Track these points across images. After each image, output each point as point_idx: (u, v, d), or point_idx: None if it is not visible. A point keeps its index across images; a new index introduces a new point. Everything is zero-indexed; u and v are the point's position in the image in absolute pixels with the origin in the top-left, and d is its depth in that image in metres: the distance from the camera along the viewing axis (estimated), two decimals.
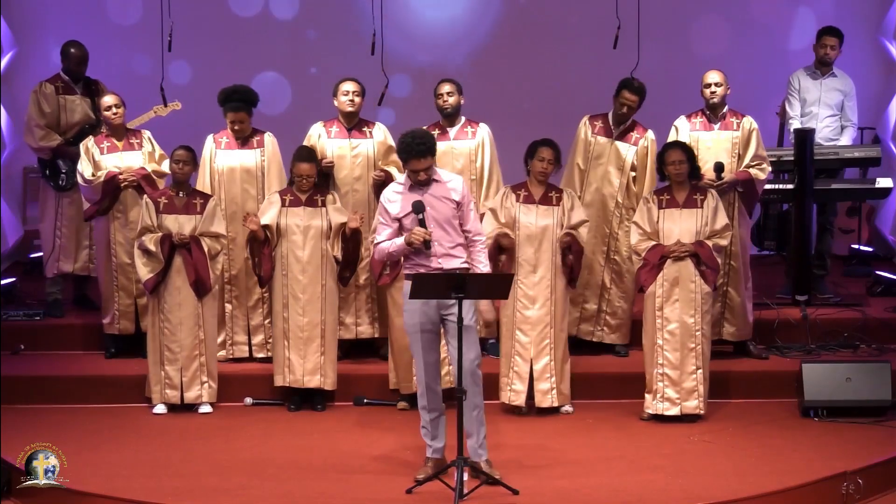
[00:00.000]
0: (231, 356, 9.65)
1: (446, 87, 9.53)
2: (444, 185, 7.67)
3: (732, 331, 9.63)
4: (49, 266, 10.27)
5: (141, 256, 9.08)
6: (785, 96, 10.72)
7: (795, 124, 10.56)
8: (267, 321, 9.63)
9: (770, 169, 9.60)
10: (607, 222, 9.55)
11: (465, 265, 7.65)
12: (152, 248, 9.01)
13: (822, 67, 10.62)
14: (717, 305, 9.52)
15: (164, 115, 10.14)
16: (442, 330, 7.69)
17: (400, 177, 9.05)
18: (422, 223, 7.53)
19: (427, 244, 7.50)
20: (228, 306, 9.65)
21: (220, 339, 9.54)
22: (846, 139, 10.68)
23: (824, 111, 10.61)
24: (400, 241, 7.58)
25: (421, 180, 7.60)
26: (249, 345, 9.68)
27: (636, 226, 8.98)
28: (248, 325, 9.67)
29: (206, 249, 9.05)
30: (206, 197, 9.22)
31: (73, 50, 10.31)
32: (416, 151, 7.55)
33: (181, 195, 9.16)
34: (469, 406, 7.53)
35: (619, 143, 9.55)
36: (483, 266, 7.74)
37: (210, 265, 9.07)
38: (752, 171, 9.47)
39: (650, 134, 9.57)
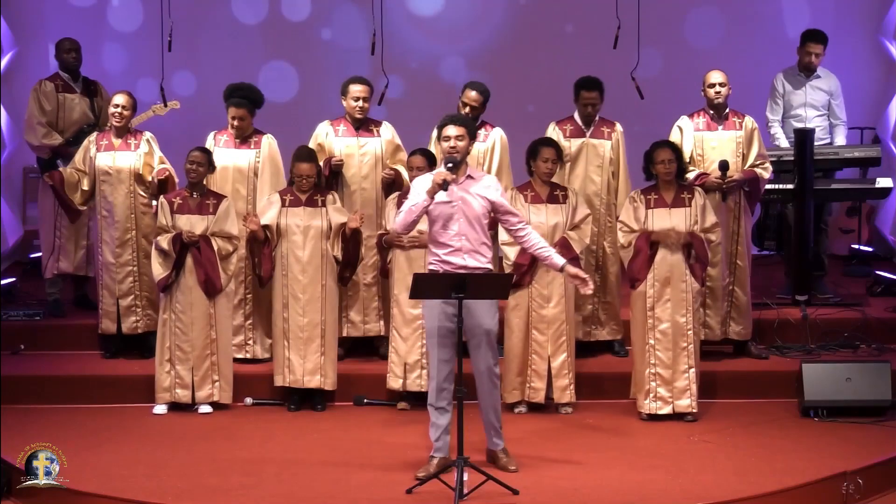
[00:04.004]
0: None
1: (473, 94, 9.46)
2: (479, 182, 7.76)
3: (739, 329, 9.63)
4: (49, 266, 10.26)
5: (157, 256, 9.09)
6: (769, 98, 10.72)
7: (776, 128, 10.57)
8: (248, 322, 9.64)
9: (771, 168, 9.62)
10: (595, 221, 9.52)
11: (489, 266, 7.73)
12: (166, 247, 9.02)
13: (805, 71, 10.62)
14: (724, 305, 9.54)
15: (163, 115, 10.14)
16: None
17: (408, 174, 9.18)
18: (450, 170, 7.58)
19: (446, 185, 7.53)
20: None
21: None
22: (840, 138, 10.69)
23: (811, 112, 10.63)
24: (423, 194, 7.63)
25: (451, 148, 7.64)
26: None
27: (623, 224, 8.98)
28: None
29: (216, 249, 9.05)
30: (219, 198, 9.21)
31: (66, 43, 10.35)
32: (453, 120, 7.75)
33: (195, 196, 9.16)
34: (487, 408, 7.76)
35: (594, 141, 9.56)
36: (545, 248, 7.82)
37: (222, 265, 9.07)
38: (757, 170, 9.50)
39: (619, 126, 9.60)
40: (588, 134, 9.57)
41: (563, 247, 8.79)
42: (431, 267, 7.73)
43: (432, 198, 7.59)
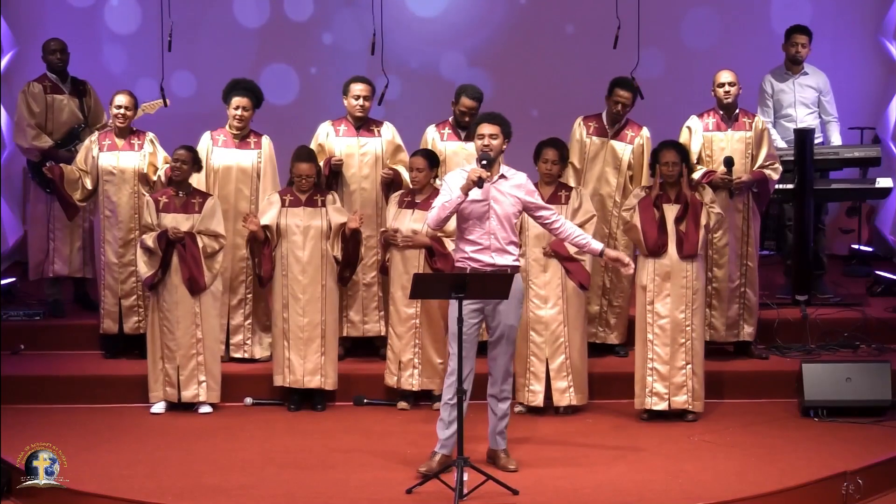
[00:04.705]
0: None
1: (469, 102, 9.42)
2: (511, 181, 7.79)
3: (750, 331, 9.65)
4: (45, 268, 10.23)
5: (143, 255, 9.09)
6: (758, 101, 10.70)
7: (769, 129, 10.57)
8: (247, 322, 9.65)
9: (781, 169, 9.60)
10: (606, 222, 9.54)
11: (517, 264, 7.75)
12: (151, 244, 9.02)
13: (793, 67, 10.62)
14: (735, 307, 9.54)
15: (153, 113, 10.11)
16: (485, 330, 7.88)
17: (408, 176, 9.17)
18: (484, 168, 7.59)
19: (481, 182, 7.53)
20: None
21: None
22: (835, 135, 10.69)
23: (801, 111, 10.62)
24: (456, 191, 7.63)
25: (485, 146, 7.66)
26: (227, 344, 9.65)
27: (623, 209, 9.01)
28: (228, 324, 9.64)
29: (201, 246, 9.04)
30: (205, 196, 9.20)
31: (52, 44, 10.32)
32: (488, 118, 7.80)
33: (181, 194, 9.15)
34: (497, 407, 7.85)
35: (614, 143, 9.56)
36: (581, 236, 7.91)
37: (207, 264, 9.06)
38: (766, 171, 9.49)
39: (645, 131, 9.57)
40: (610, 134, 9.56)
41: (560, 246, 8.77)
42: (459, 264, 7.75)
43: (466, 195, 7.59)
